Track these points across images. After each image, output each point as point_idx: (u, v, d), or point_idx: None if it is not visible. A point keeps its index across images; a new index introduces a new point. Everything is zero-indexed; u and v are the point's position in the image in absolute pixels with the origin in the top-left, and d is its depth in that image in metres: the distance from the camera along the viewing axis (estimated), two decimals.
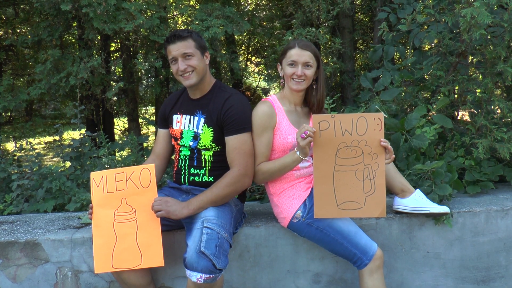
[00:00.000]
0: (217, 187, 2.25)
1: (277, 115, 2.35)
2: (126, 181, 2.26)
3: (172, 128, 2.50)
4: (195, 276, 2.00)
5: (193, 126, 2.40)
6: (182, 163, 2.44)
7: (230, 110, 2.30)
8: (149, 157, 2.62)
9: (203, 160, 2.38)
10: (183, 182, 2.43)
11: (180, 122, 2.46)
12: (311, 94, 2.44)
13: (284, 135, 2.33)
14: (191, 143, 2.40)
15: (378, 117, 2.16)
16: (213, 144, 2.36)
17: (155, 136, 2.70)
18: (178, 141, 2.46)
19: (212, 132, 2.34)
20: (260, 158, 2.33)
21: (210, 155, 2.38)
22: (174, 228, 2.44)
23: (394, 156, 2.22)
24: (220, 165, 2.37)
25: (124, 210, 2.23)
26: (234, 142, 2.28)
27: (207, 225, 2.10)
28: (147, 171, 2.25)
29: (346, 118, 2.18)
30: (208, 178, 2.37)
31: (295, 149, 2.23)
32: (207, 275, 1.99)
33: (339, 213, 2.22)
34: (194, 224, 2.17)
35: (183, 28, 5.90)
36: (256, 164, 2.32)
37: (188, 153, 2.42)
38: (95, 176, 2.28)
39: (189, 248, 2.04)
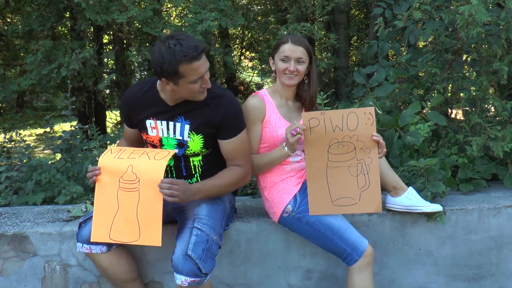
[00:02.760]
0: (224, 184, 2.19)
1: (267, 109, 2.33)
2: (141, 154, 2.15)
3: (147, 134, 2.26)
4: (180, 279, 1.96)
5: (176, 134, 2.20)
6: (168, 175, 2.28)
7: (226, 114, 2.15)
8: (119, 142, 2.43)
9: (192, 167, 2.26)
10: None
11: (156, 128, 2.22)
12: (303, 89, 2.42)
13: (274, 128, 2.32)
14: (176, 151, 2.21)
15: (369, 112, 2.15)
16: (203, 150, 2.22)
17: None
18: (157, 148, 2.26)
19: (202, 139, 2.19)
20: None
21: (199, 160, 2.25)
22: (165, 223, 2.41)
23: (386, 150, 2.21)
24: (210, 167, 2.26)
25: (128, 178, 2.11)
26: (235, 144, 2.19)
27: (197, 225, 2.05)
28: (167, 152, 2.16)
29: (336, 114, 2.17)
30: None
31: (283, 144, 2.23)
32: (192, 279, 1.96)
33: (334, 209, 2.21)
34: (186, 220, 2.13)
35: (176, 20, 5.87)
36: None
37: (173, 162, 2.25)
38: (113, 148, 2.21)
39: (176, 249, 2.01)
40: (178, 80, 2.01)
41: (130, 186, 2.10)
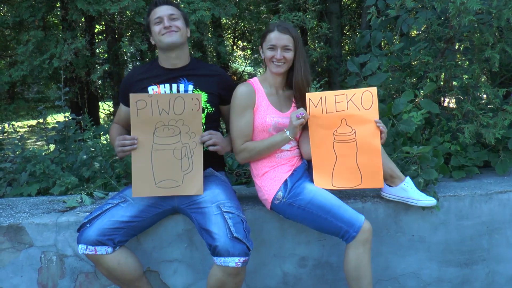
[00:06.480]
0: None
1: (257, 96, 2.38)
2: (347, 102, 2.32)
3: None
4: (233, 261, 2.00)
5: (181, 92, 2.38)
6: None
7: (228, 80, 2.50)
8: (111, 126, 2.53)
9: None
10: None
11: (159, 92, 2.38)
12: (291, 76, 2.45)
13: (262, 115, 2.36)
14: None
15: (196, 98, 2.20)
16: (208, 105, 2.39)
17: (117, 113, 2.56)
18: None
19: (206, 95, 2.39)
20: (244, 138, 2.35)
21: (203, 121, 2.36)
22: (168, 214, 2.41)
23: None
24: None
25: (344, 131, 2.30)
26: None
27: (225, 209, 2.13)
28: (369, 94, 2.30)
29: (163, 98, 2.19)
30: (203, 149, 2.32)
31: (285, 129, 2.31)
32: (244, 258, 2.02)
33: (157, 191, 2.21)
34: (207, 208, 2.16)
35: None
36: (240, 144, 2.35)
37: None
38: (312, 97, 2.34)
39: (217, 235, 2.04)
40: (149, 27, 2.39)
41: (347, 137, 2.33)
